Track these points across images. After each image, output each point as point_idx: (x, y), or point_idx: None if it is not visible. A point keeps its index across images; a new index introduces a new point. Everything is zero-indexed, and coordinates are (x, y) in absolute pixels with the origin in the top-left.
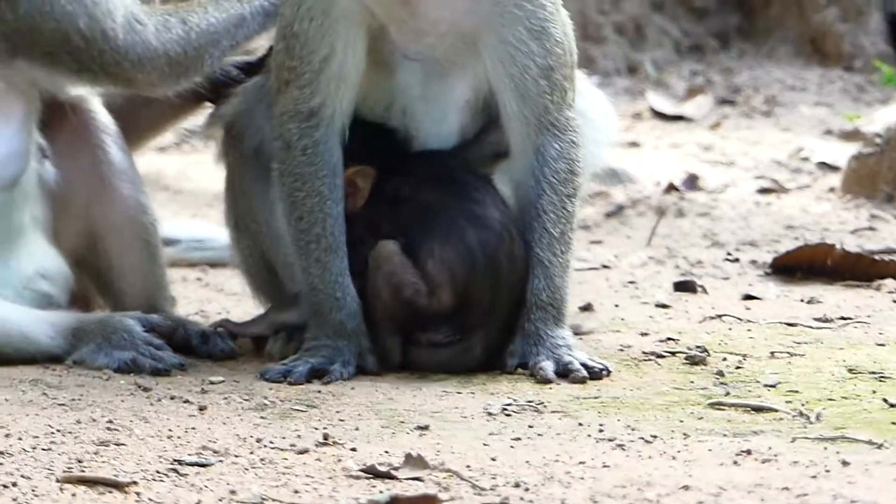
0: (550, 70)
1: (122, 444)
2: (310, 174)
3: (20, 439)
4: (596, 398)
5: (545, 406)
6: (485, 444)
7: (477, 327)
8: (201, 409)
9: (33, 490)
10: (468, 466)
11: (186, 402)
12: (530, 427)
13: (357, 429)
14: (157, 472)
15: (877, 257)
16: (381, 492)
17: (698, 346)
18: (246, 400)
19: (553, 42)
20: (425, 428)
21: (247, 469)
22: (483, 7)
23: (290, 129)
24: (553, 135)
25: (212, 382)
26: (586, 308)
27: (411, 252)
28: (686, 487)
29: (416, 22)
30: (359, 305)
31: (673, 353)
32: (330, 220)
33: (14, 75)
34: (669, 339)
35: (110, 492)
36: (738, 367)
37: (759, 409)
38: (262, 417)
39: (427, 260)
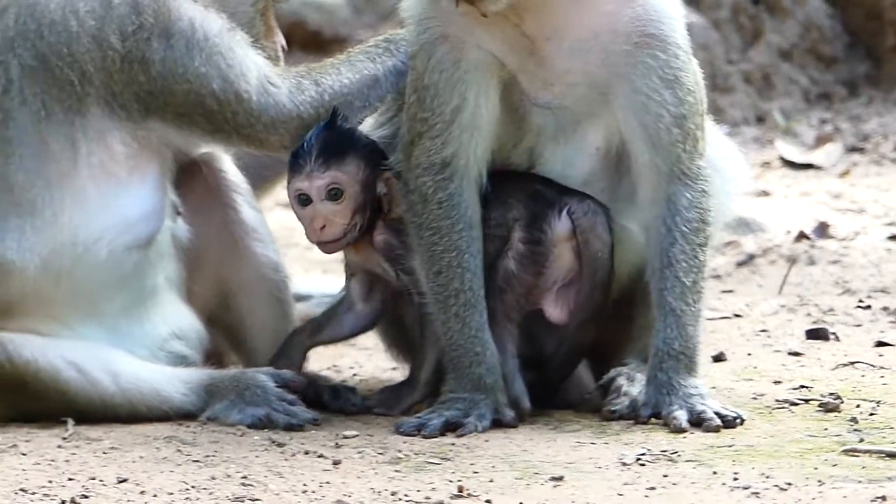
0: (683, 119)
1: (258, 500)
2: (446, 227)
3: (155, 496)
4: (730, 447)
5: (679, 455)
6: (619, 494)
7: None
8: (336, 463)
9: None
10: None
11: (321, 456)
12: (665, 476)
13: (491, 480)
14: None
15: None
16: None
17: (831, 394)
18: (380, 453)
19: (685, 91)
20: (560, 479)
21: None
22: (615, 58)
23: (425, 182)
24: (685, 184)
25: (346, 436)
26: (719, 357)
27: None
28: None
29: (545, 72)
30: (497, 360)
31: (806, 401)
32: (468, 274)
33: (148, 136)
34: (802, 386)
35: None
36: (871, 414)
37: (893, 456)
38: (396, 471)
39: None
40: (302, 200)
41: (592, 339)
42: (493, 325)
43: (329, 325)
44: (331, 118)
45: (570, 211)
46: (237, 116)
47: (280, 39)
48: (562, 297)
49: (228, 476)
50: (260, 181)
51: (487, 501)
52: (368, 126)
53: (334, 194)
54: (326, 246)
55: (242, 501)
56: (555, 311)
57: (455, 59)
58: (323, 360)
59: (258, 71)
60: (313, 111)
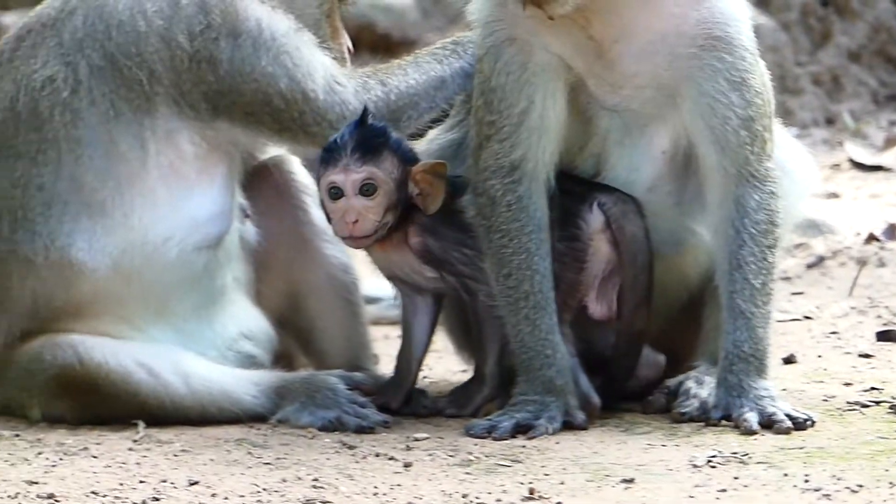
0: (751, 121)
1: (329, 502)
2: (516, 230)
3: (226, 499)
4: (801, 448)
5: (750, 457)
6: (690, 497)
7: None
8: (406, 465)
9: None
10: None
11: (391, 458)
12: (735, 478)
13: (562, 483)
14: None
15: None
16: None
17: None
18: (451, 456)
19: (753, 93)
20: (630, 481)
21: None
22: (682, 61)
23: (493, 185)
24: (753, 186)
25: (416, 439)
26: (789, 359)
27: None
28: None
29: (613, 75)
30: (568, 362)
31: (877, 403)
32: (538, 276)
33: (216, 136)
34: (873, 388)
35: None
36: None
37: None
38: (467, 473)
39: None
40: (334, 194)
41: (646, 326)
42: None
43: (414, 336)
44: (362, 115)
45: (600, 203)
46: (304, 115)
47: (346, 42)
48: (602, 292)
49: (299, 478)
50: None
51: (558, 503)
52: (438, 130)
53: (368, 190)
54: (355, 241)
55: None
56: (597, 307)
57: (522, 62)
58: (393, 363)
59: (325, 70)
60: (378, 111)
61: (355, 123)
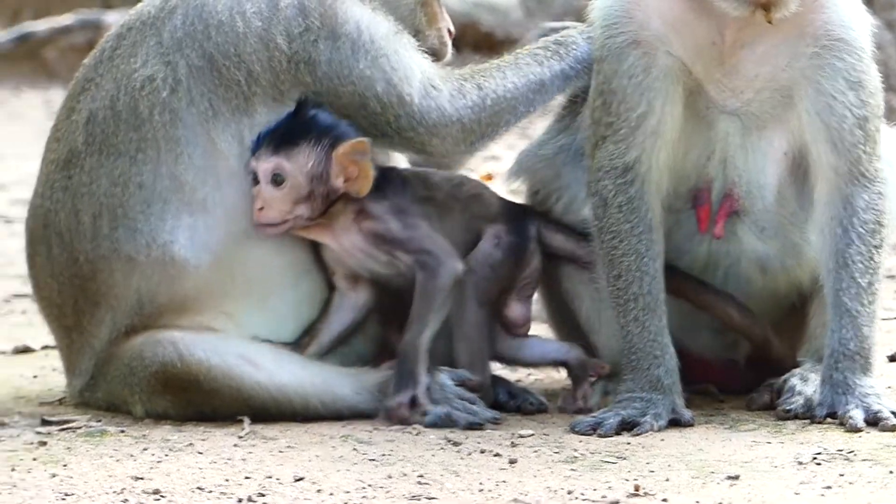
0: (865, 121)
1: (434, 499)
2: (626, 231)
3: (331, 494)
4: None
5: (855, 454)
6: (796, 494)
7: None
8: (511, 462)
9: None
10: None
11: (496, 455)
12: (841, 476)
13: (667, 479)
14: None
15: None
16: None
17: None
18: (556, 452)
19: (868, 93)
20: (736, 478)
21: None
22: (801, 61)
23: (605, 186)
24: (863, 186)
25: (521, 436)
26: (894, 357)
27: None
28: None
29: (734, 80)
30: (675, 362)
31: None
32: (647, 278)
33: None
34: None
35: None
36: None
37: None
38: (572, 469)
39: None
40: (253, 179)
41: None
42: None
43: (326, 327)
44: (297, 105)
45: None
46: (399, 119)
47: (448, 24)
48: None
49: (404, 475)
50: None
51: (664, 500)
52: (545, 135)
53: (276, 179)
54: (264, 228)
55: (419, 500)
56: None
57: (646, 66)
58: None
59: (422, 74)
60: (474, 116)
61: (289, 114)
